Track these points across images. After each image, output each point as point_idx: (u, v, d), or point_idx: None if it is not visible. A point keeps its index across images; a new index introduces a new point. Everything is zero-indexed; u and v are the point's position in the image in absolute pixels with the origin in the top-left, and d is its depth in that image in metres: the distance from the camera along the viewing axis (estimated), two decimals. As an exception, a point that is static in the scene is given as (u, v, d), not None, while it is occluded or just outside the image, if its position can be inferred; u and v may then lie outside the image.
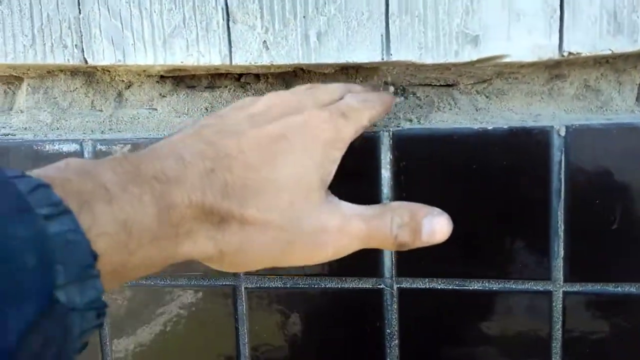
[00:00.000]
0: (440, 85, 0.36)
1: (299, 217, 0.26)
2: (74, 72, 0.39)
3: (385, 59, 0.33)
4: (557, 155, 0.32)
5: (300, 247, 0.26)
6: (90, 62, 0.36)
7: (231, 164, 0.25)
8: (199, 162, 0.24)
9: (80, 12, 0.36)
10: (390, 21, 0.33)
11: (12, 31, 0.37)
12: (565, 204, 0.32)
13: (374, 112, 0.30)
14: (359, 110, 0.29)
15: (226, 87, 0.39)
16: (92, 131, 0.39)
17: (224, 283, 0.37)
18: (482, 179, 0.33)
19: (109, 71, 0.39)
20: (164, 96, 0.39)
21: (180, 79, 0.39)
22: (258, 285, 0.37)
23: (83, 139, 0.37)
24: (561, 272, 0.33)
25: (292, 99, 0.29)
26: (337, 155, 0.28)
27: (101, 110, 0.40)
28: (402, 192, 0.34)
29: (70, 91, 0.40)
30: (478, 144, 0.33)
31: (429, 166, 0.33)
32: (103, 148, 0.37)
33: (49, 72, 0.39)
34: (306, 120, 0.27)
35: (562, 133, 0.32)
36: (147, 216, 0.22)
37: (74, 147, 0.37)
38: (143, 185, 0.22)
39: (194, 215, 0.23)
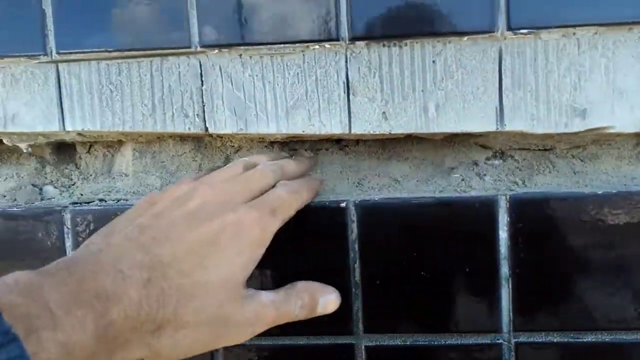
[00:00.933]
0: (538, 150, 0.39)
1: (226, 315, 0.30)
2: (183, 137, 0.40)
3: (499, 129, 0.36)
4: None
5: (226, 337, 0.31)
6: (212, 130, 0.37)
7: (165, 272, 0.28)
8: (136, 274, 0.27)
9: (202, 84, 0.37)
10: (504, 95, 0.36)
11: (130, 101, 0.38)
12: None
13: (301, 202, 0.34)
14: (288, 203, 0.33)
15: (327, 149, 0.41)
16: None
17: (340, 342, 0.39)
18: (594, 237, 0.36)
19: (221, 137, 0.40)
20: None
21: (286, 143, 0.41)
22: (378, 343, 0.38)
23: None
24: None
25: (225, 193, 0.32)
26: (260, 252, 0.31)
27: (207, 174, 0.41)
28: (519, 252, 0.36)
29: (178, 155, 0.41)
30: (590, 205, 0.36)
31: (544, 227, 0.36)
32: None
33: (158, 137, 0.40)
34: (237, 221, 0.30)
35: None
36: (87, 336, 0.24)
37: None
38: (85, 307, 0.24)
39: (130, 327, 0.26)
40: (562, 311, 0.36)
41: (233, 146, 0.41)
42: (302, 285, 0.35)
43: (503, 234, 0.36)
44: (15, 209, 0.40)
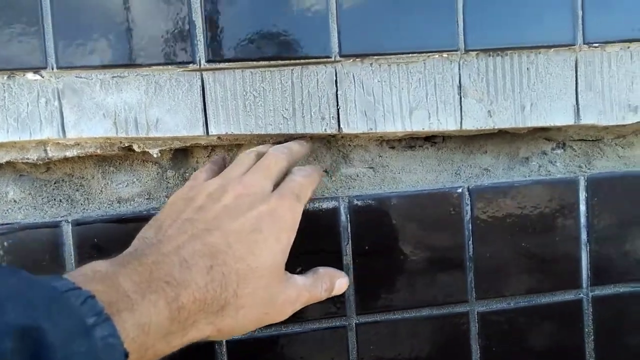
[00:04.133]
0: (590, 140, 0.49)
1: (274, 296, 0.34)
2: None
3: (576, 123, 0.45)
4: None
5: (272, 315, 0.35)
6: (345, 130, 0.42)
7: (225, 259, 0.31)
8: (199, 262, 0.30)
9: (337, 90, 0.42)
10: (579, 96, 0.45)
11: (273, 105, 0.41)
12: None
13: (315, 185, 0.39)
14: (306, 187, 0.37)
15: (421, 146, 0.47)
16: (325, 189, 0.44)
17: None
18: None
19: (335, 136, 0.44)
20: (380, 156, 0.46)
21: (386, 141, 0.47)
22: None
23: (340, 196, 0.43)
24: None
25: (252, 184, 0.35)
26: (293, 236, 0.35)
27: (325, 171, 0.45)
28: (595, 219, 0.45)
29: (301, 155, 0.45)
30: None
31: (619, 201, 0.46)
32: (359, 203, 0.43)
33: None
34: (272, 210, 0.34)
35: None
36: (162, 318, 0.28)
37: (333, 204, 0.43)
38: (158, 292, 0.28)
39: (198, 309, 0.30)
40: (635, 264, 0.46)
41: (350, 145, 0.45)
42: (322, 270, 0.39)
43: (582, 207, 0.45)
44: (152, 211, 0.41)
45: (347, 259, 0.44)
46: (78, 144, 0.40)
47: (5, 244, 0.40)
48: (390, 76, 0.42)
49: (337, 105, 0.42)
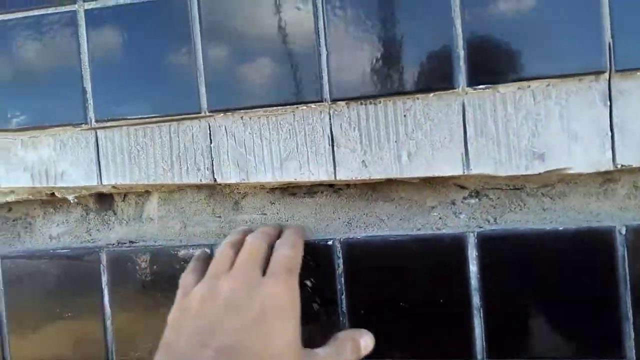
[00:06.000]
0: (510, 189, 0.43)
1: None
2: (199, 186, 0.47)
3: (465, 173, 0.40)
4: (621, 250, 0.38)
5: None
6: (219, 180, 0.44)
7: (233, 357, 0.31)
8: None
9: (211, 142, 0.44)
10: (468, 143, 0.40)
11: (154, 158, 0.45)
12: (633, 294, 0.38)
13: (301, 250, 0.38)
14: (294, 257, 0.37)
15: (322, 192, 0.47)
16: (215, 235, 0.47)
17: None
18: (553, 273, 0.39)
19: (230, 185, 0.47)
20: (272, 203, 0.47)
21: (285, 188, 0.47)
22: None
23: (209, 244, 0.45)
24: None
25: (242, 274, 0.35)
26: (299, 310, 0.35)
27: (220, 217, 0.48)
28: (488, 283, 0.40)
29: (195, 202, 0.48)
30: (551, 241, 0.39)
31: (511, 263, 0.40)
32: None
33: (179, 187, 0.48)
34: (270, 295, 0.34)
35: (623, 232, 0.38)
36: None
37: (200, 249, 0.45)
38: None
39: None
40: (529, 338, 0.39)
41: (239, 192, 0.47)
42: (342, 334, 0.39)
43: (473, 268, 0.40)
44: (64, 250, 0.48)
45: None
46: (13, 192, 0.49)
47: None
48: (261, 128, 0.43)
49: (211, 157, 0.44)
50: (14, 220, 0.53)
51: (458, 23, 0.39)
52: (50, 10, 0.46)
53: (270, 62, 0.43)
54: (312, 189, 0.47)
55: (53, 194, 0.49)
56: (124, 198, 0.50)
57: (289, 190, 0.47)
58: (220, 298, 0.34)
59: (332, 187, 0.47)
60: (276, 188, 0.47)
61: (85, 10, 0.45)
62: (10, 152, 0.48)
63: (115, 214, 0.50)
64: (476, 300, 0.40)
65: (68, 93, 0.46)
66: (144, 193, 0.50)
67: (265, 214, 0.47)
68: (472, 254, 0.40)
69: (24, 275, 0.49)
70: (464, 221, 0.43)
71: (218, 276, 0.36)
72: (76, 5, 0.45)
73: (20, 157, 0.47)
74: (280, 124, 0.43)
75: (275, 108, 0.43)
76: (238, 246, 0.39)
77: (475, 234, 0.40)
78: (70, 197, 0.49)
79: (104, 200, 0.51)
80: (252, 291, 0.34)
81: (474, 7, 0.39)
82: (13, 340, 0.49)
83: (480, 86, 0.39)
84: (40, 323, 0.48)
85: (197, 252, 0.44)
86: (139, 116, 0.45)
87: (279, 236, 0.40)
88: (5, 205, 0.52)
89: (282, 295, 0.34)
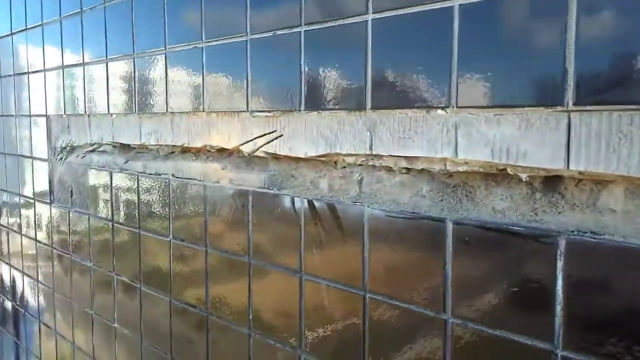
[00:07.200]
0: None
1: None
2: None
3: None
4: None
5: None
6: None
7: None
8: None
9: None
10: None
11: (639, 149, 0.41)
12: None
13: None
14: None
15: None
16: None
17: None
18: None
19: None
20: None
21: None
22: None
23: None
24: None
25: None
26: None
27: None
28: None
29: (676, 201, 0.42)
30: None
31: None
32: None
33: (656, 182, 0.42)
34: None
35: None
36: None
37: None
38: None
39: None
40: None
41: None
42: None
43: None
44: (512, 227, 0.49)
45: None
46: (466, 163, 0.52)
47: (404, 230, 0.57)
48: None
49: None
50: (453, 187, 0.57)
51: None
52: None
53: None
54: None
55: (503, 169, 0.50)
56: (577, 183, 0.48)
57: None
58: None
59: None
60: None
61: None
62: (472, 128, 0.50)
63: (563, 197, 0.48)
64: None
65: (546, 75, 0.45)
66: (603, 181, 0.46)
67: None
68: None
69: (474, 242, 0.52)
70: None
71: None
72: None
73: (482, 132, 0.50)
74: None
75: None
76: None
77: None
78: (523, 176, 0.49)
79: (549, 181, 0.50)
80: None
81: None
82: (455, 302, 0.54)
83: None
84: (484, 291, 0.52)
85: None
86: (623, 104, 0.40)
87: None
88: (447, 172, 0.57)
89: None
